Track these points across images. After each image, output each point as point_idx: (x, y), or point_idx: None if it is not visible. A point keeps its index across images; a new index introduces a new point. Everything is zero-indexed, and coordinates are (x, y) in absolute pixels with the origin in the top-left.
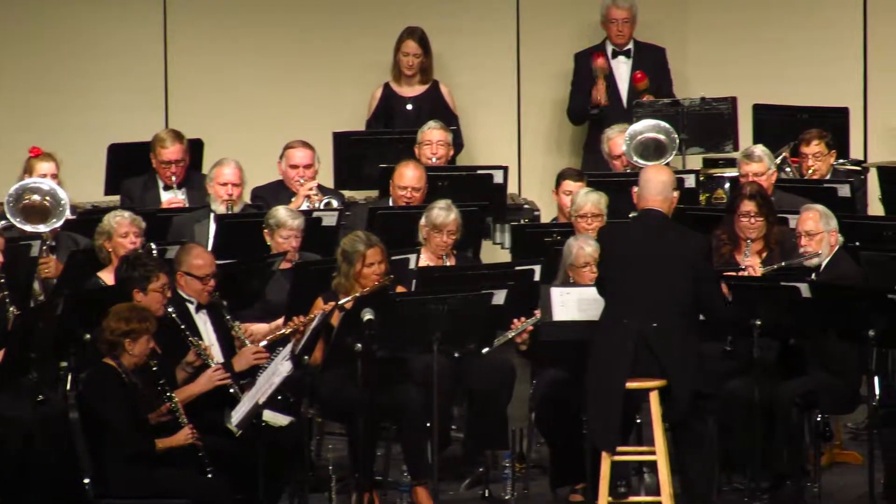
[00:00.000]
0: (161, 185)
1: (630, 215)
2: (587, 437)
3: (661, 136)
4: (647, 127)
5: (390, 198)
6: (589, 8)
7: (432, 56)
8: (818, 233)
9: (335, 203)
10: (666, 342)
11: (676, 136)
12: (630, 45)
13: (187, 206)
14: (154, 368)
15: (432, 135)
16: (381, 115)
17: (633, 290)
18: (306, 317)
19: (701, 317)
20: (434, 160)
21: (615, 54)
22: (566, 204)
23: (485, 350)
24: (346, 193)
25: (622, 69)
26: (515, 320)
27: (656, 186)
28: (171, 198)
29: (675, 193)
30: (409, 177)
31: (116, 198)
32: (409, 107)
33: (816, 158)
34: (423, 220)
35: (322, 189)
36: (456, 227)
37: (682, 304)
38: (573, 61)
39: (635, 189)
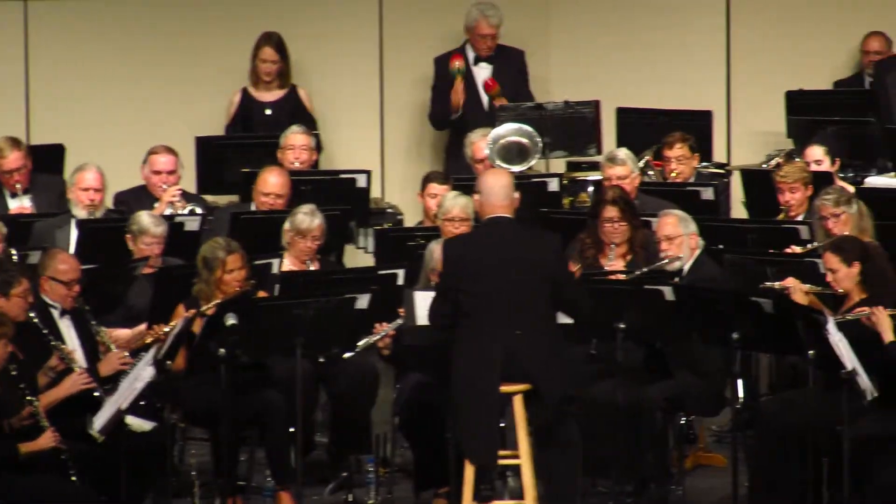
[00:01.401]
0: (7, 193)
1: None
2: (451, 441)
3: (524, 140)
4: (509, 131)
5: (253, 202)
6: (452, 13)
7: (290, 61)
8: (677, 236)
9: (198, 210)
10: (531, 347)
11: (539, 139)
12: (493, 52)
13: (35, 212)
14: (14, 373)
15: (295, 139)
16: (240, 120)
17: (493, 300)
18: (168, 325)
19: (566, 319)
20: (297, 165)
21: (477, 60)
22: (431, 207)
23: (348, 354)
24: (209, 198)
25: (484, 74)
26: (378, 325)
27: (500, 192)
28: (20, 206)
29: (517, 195)
30: (272, 183)
31: None
32: (268, 111)
33: (679, 161)
34: (287, 225)
35: (185, 195)
36: (320, 232)
37: (543, 307)
38: (434, 66)
39: (477, 197)
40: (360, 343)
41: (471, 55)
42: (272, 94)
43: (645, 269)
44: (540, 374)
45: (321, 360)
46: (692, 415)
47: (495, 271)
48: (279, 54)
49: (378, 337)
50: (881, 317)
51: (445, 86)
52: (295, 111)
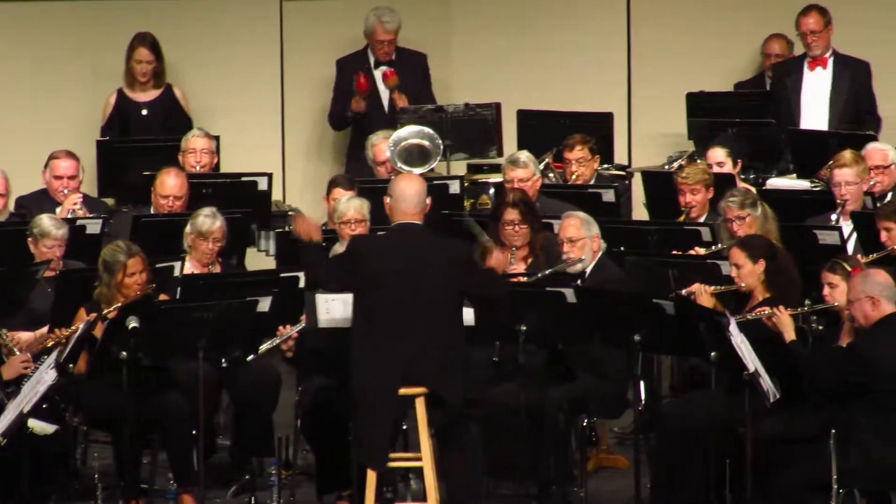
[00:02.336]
0: None
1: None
2: (353, 444)
3: (426, 143)
4: (411, 133)
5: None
6: (353, 16)
7: (164, 61)
8: (580, 239)
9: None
10: (432, 351)
11: (440, 142)
12: (393, 55)
13: None
14: None
15: (196, 143)
16: (116, 121)
17: (396, 304)
18: (69, 328)
19: (472, 322)
20: (198, 168)
21: (377, 64)
22: None
23: (250, 357)
24: (110, 201)
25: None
26: (281, 327)
27: (413, 198)
28: None
29: (428, 201)
30: (170, 185)
31: None
32: (144, 112)
33: (580, 164)
34: (188, 228)
35: (87, 200)
36: (221, 234)
37: (447, 312)
38: (335, 68)
39: (388, 200)
40: (263, 346)
41: (372, 59)
42: (148, 95)
43: (547, 272)
44: (441, 378)
45: (223, 363)
46: (594, 417)
47: (401, 276)
48: (154, 54)
49: (281, 340)
50: (783, 317)
51: (347, 88)
52: (171, 111)
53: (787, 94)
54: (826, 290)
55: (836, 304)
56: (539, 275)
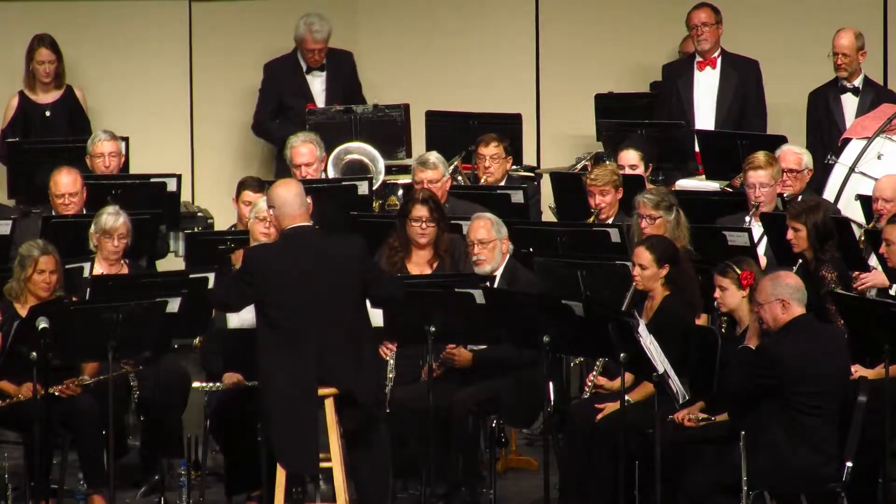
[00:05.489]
0: None
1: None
2: (263, 444)
3: (368, 161)
4: (358, 149)
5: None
6: (265, 17)
7: (64, 61)
8: (490, 241)
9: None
10: (342, 351)
11: (383, 166)
12: (323, 61)
13: None
14: None
15: (103, 146)
16: (20, 124)
17: (303, 308)
18: None
19: (379, 321)
20: (106, 171)
21: (308, 69)
22: (245, 213)
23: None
24: (11, 203)
25: (317, 83)
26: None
27: (294, 201)
28: None
29: (309, 200)
30: (63, 184)
31: None
32: (48, 113)
33: (493, 160)
34: (92, 228)
35: None
36: (126, 231)
37: (354, 311)
38: (262, 72)
39: (271, 211)
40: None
41: (303, 65)
42: (50, 96)
43: (456, 273)
44: (352, 378)
45: (133, 363)
46: (509, 424)
47: (303, 280)
48: (55, 54)
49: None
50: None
51: (274, 92)
52: (72, 112)
53: (679, 95)
54: (717, 294)
55: (725, 308)
56: (448, 275)
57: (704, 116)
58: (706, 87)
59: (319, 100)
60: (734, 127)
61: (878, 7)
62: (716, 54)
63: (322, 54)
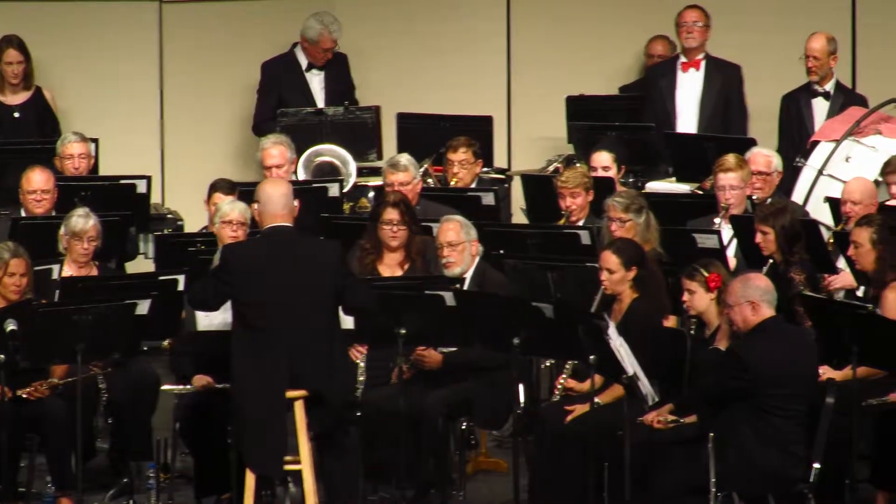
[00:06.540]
0: None
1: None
2: (232, 447)
3: (337, 162)
4: (328, 151)
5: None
6: (236, 18)
7: (32, 62)
8: (460, 243)
9: None
10: (313, 354)
11: (354, 169)
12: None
13: None
14: None
15: (73, 148)
16: None
17: (276, 309)
18: None
19: (350, 325)
20: (76, 173)
21: (310, 67)
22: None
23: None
24: None
25: (316, 81)
26: None
27: (280, 201)
28: None
29: (296, 203)
30: (36, 180)
31: None
32: (17, 114)
33: (462, 166)
34: (62, 230)
35: None
36: (96, 233)
37: (326, 314)
38: (259, 71)
39: (255, 206)
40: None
41: (303, 61)
42: (19, 97)
43: (426, 276)
44: (323, 380)
45: (102, 366)
46: (479, 426)
47: (277, 281)
48: (23, 55)
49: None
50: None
51: (272, 91)
52: (41, 113)
53: (662, 97)
54: (685, 297)
55: (694, 311)
56: (417, 277)
57: (687, 118)
58: (689, 89)
59: (319, 98)
60: (717, 130)
61: (846, 11)
62: (699, 56)
63: (331, 53)
